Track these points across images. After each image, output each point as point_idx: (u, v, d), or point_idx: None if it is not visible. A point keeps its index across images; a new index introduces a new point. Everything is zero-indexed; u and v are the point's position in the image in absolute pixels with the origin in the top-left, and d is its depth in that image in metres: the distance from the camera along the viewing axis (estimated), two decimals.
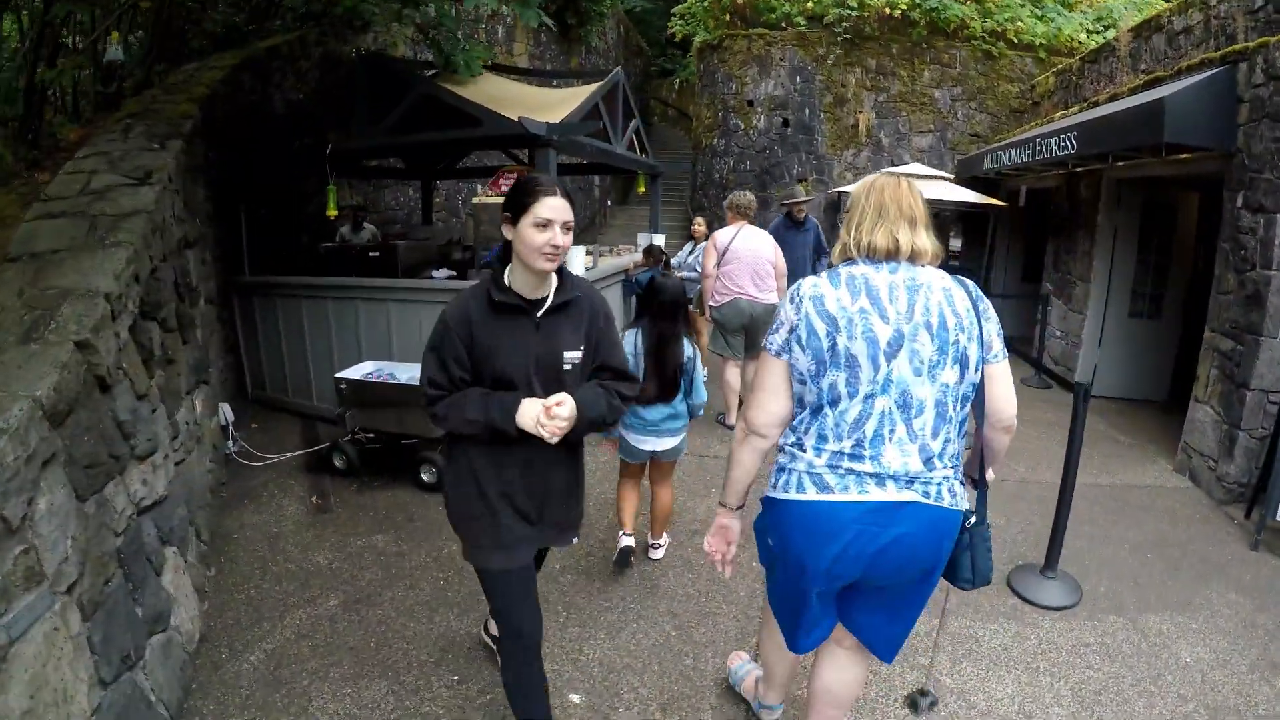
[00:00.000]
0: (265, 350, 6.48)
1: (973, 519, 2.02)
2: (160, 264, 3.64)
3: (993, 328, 1.96)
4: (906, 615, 2.12)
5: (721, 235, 5.80)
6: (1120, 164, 6.74)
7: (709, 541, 2.29)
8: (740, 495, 2.19)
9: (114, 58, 6.18)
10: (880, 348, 1.83)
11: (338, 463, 5.16)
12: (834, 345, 1.85)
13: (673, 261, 7.74)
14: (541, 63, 12.30)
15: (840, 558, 1.90)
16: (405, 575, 3.87)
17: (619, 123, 6.36)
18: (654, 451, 3.73)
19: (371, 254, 5.99)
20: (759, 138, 11.80)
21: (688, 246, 8.21)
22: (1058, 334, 8.28)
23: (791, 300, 1.96)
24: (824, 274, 1.96)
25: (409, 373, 5.10)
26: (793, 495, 1.93)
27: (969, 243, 10.95)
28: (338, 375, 5.12)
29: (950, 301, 1.88)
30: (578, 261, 5.48)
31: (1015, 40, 11.25)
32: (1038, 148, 7.10)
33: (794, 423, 2.00)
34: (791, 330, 1.93)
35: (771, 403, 2.02)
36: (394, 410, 4.94)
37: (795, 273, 6.05)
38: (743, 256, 5.76)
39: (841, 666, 2.31)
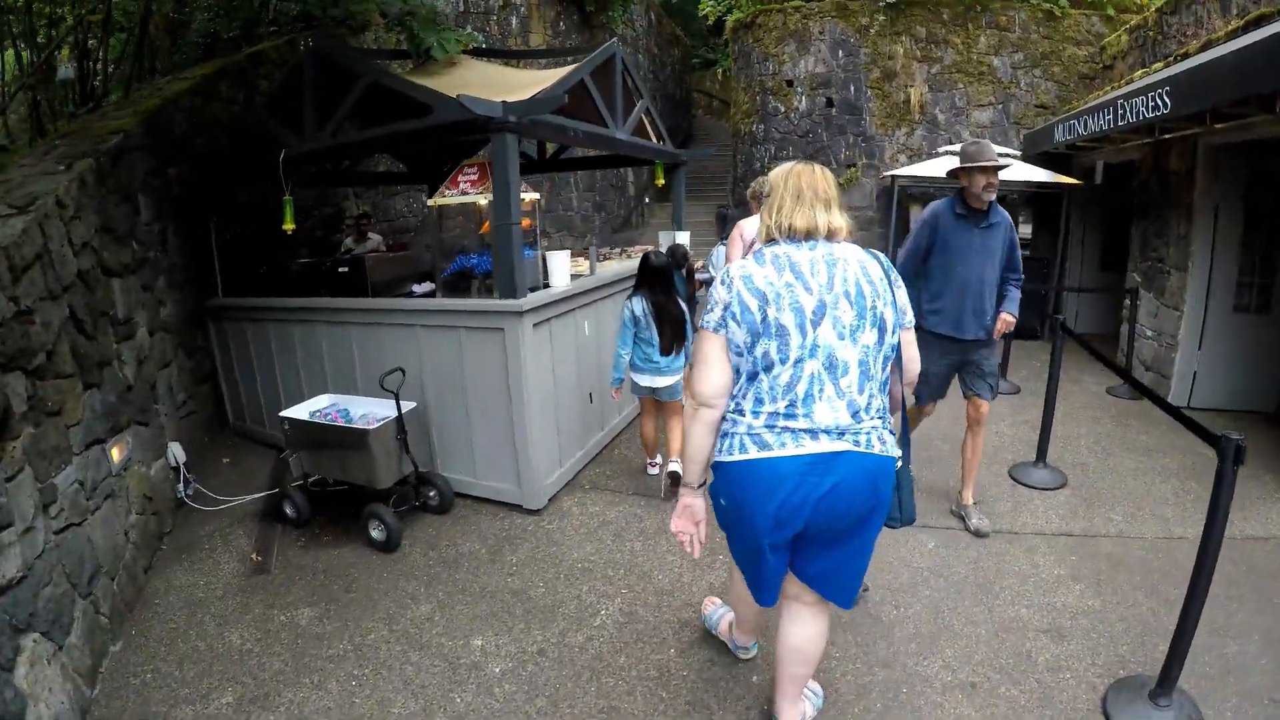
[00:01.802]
0: (241, 378, 5.95)
1: (899, 463, 2.24)
2: (38, 303, 3.15)
3: (903, 295, 2.24)
4: (856, 561, 2.30)
5: (748, 226, 4.89)
6: (1220, 126, 5.48)
7: (675, 522, 2.42)
8: (700, 473, 2.33)
9: (65, 76, 5.80)
10: (806, 316, 2.05)
11: (288, 511, 4.53)
12: (765, 317, 2.06)
13: (710, 263, 6.82)
14: None
15: (784, 507, 2.08)
16: (316, 669, 3.20)
17: (617, 104, 5.48)
18: (653, 388, 4.48)
19: (340, 270, 5.29)
20: (800, 120, 10.72)
21: (720, 247, 7.23)
22: (1149, 333, 6.98)
23: (723, 282, 2.16)
24: (750, 256, 2.18)
25: (365, 409, 4.39)
26: (736, 456, 2.12)
27: (1040, 229, 9.60)
28: (282, 414, 4.45)
29: (865, 273, 2.11)
30: (561, 270, 4.64)
31: None
32: (1120, 111, 5.86)
33: (733, 391, 2.19)
34: (725, 308, 2.13)
35: (714, 374, 2.19)
36: (337, 455, 4.24)
37: (971, 294, 3.95)
38: None
39: (805, 622, 2.44)
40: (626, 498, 4.61)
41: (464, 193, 4.47)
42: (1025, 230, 9.46)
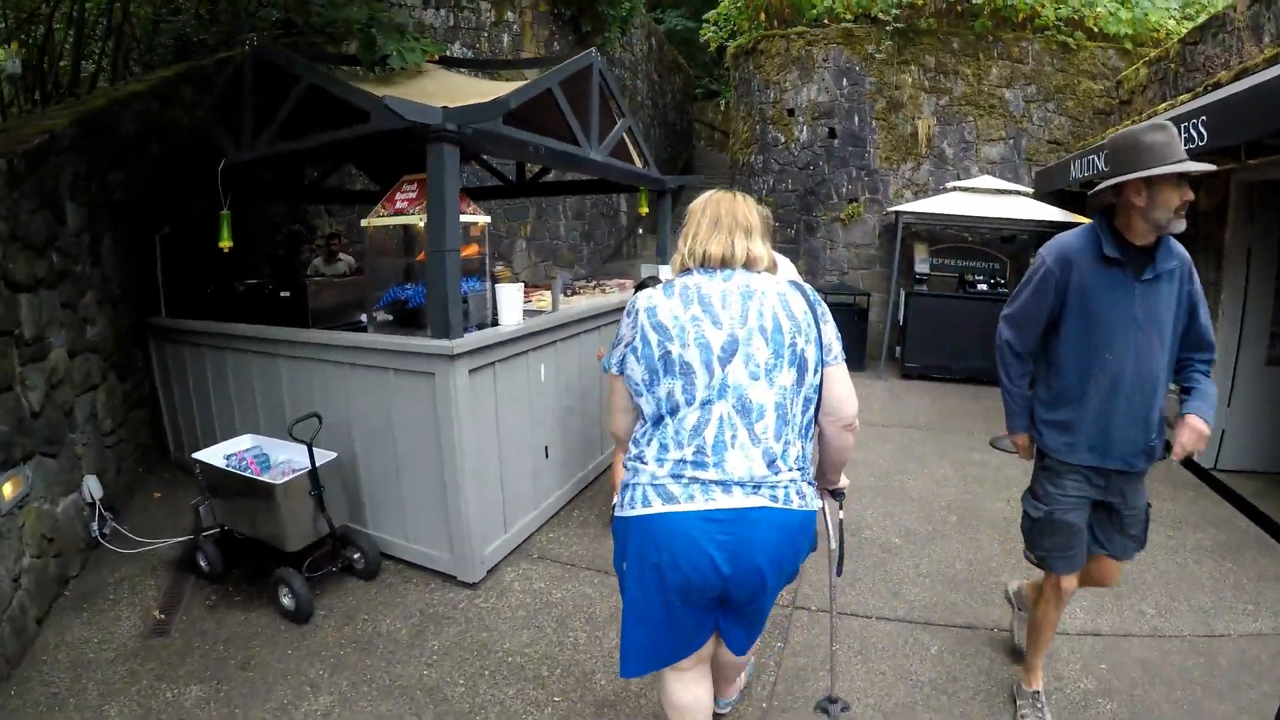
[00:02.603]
0: (180, 405, 5.40)
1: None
2: None
3: (831, 330, 2.02)
4: (760, 619, 2.15)
5: None
6: (1254, 161, 4.94)
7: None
8: None
9: (12, 72, 5.37)
10: (714, 353, 1.87)
11: (201, 563, 3.96)
12: (666, 354, 1.89)
13: None
14: None
15: (695, 567, 1.86)
16: None
17: (592, 120, 4.88)
18: None
19: (282, 294, 4.76)
20: (801, 152, 10.20)
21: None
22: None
23: (628, 314, 2.02)
24: (659, 286, 2.01)
25: (288, 455, 3.85)
26: (639, 510, 1.90)
27: None
28: (195, 455, 3.90)
29: (785, 306, 1.93)
30: (511, 306, 4.10)
31: (1095, 29, 9.35)
32: None
33: (636, 435, 2.01)
34: (628, 345, 1.99)
35: (619, 418, 2.15)
36: (246, 508, 3.69)
37: (1128, 391, 2.53)
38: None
39: (694, 682, 2.23)
40: (579, 572, 3.99)
41: (399, 212, 3.93)
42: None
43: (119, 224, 5.08)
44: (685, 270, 2.03)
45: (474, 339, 3.63)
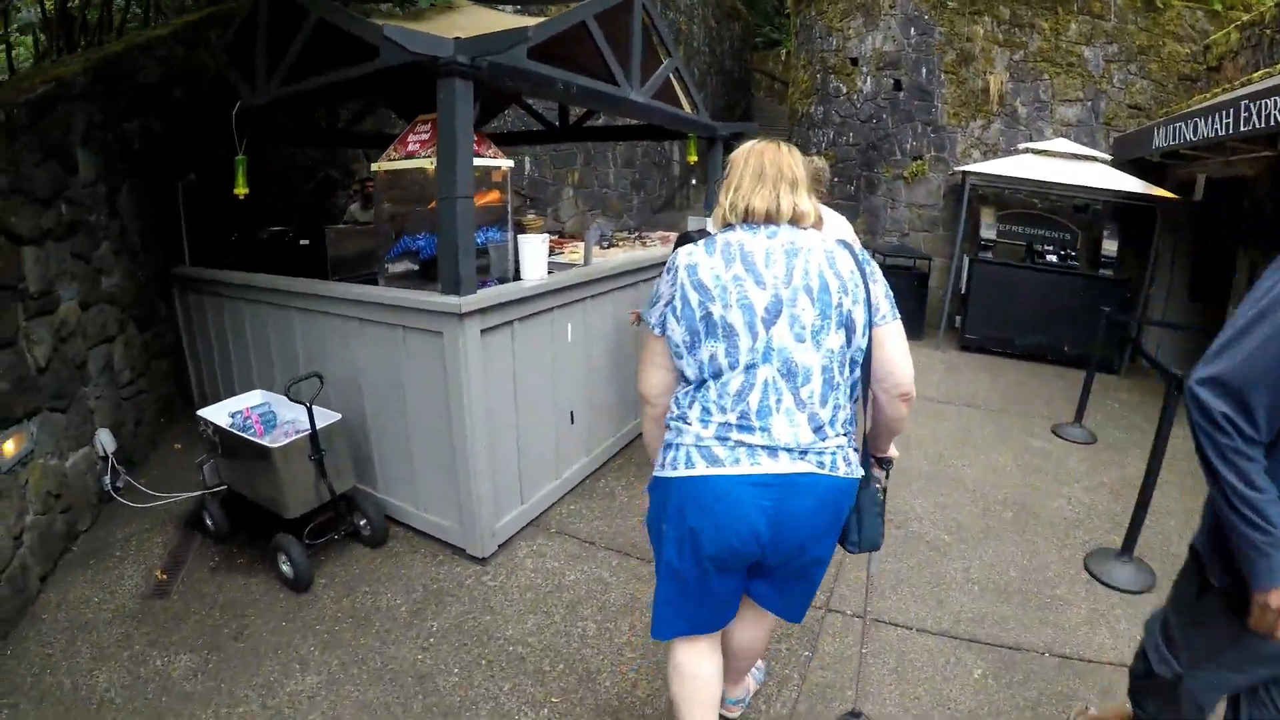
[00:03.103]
0: (204, 356, 5.26)
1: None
2: None
3: (880, 290, 1.91)
4: (808, 584, 2.05)
5: None
6: None
7: None
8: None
9: (26, 20, 5.20)
10: (757, 315, 1.79)
11: (207, 522, 3.82)
12: (708, 314, 1.81)
13: None
14: None
15: (736, 531, 1.81)
16: None
17: (633, 59, 4.40)
18: None
19: (302, 243, 4.55)
20: (864, 104, 9.57)
21: None
22: None
23: (668, 271, 1.92)
24: (700, 241, 1.90)
25: (296, 415, 3.63)
26: (681, 471, 1.84)
27: (1125, 246, 8.27)
28: (200, 411, 3.74)
29: (832, 264, 1.83)
30: (535, 260, 3.80)
31: None
32: (1244, 114, 4.68)
33: (677, 396, 1.94)
34: (668, 303, 1.89)
35: (653, 376, 2.01)
36: (245, 469, 3.52)
37: None
38: None
39: (748, 623, 2.23)
40: (596, 552, 3.70)
41: (410, 154, 3.62)
42: (1110, 247, 8.21)
43: (138, 173, 4.90)
44: (727, 225, 1.93)
45: (488, 295, 3.33)
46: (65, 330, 4.01)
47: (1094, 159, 7.95)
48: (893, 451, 2.23)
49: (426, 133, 3.59)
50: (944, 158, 9.28)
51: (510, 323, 3.55)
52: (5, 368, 3.44)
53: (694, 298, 1.82)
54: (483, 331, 3.31)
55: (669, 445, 1.90)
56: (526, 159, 9.39)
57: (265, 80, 3.98)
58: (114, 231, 4.60)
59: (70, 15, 5.71)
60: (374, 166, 3.77)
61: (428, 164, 3.42)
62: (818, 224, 1.93)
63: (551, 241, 5.37)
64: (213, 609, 3.31)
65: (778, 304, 1.78)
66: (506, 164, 3.85)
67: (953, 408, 6.15)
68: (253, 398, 3.98)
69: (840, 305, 1.79)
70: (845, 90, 9.70)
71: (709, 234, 4.40)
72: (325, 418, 3.52)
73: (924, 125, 9.30)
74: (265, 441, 3.35)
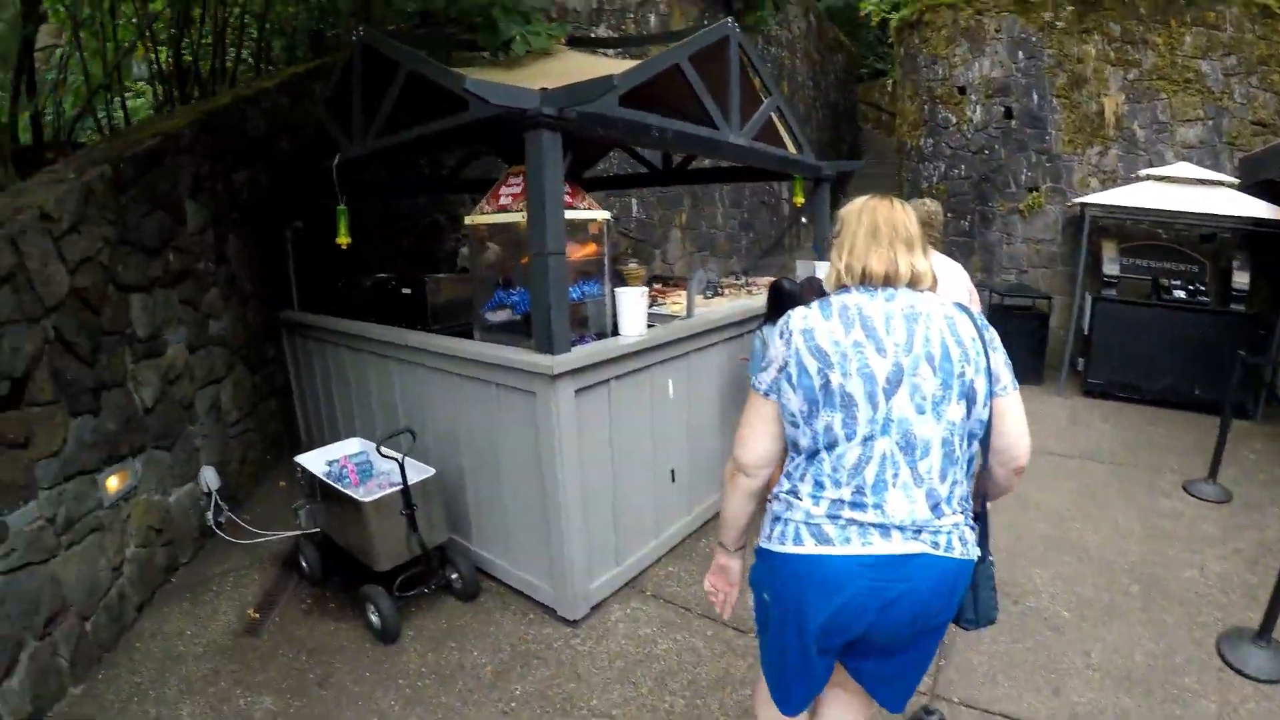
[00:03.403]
0: (309, 398, 5.42)
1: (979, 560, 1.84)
2: (7, 326, 2.92)
3: (1000, 358, 1.81)
4: (916, 668, 1.92)
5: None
6: None
7: (709, 580, 2.14)
8: (736, 538, 2.04)
9: (139, 76, 5.53)
10: (878, 384, 1.70)
11: (303, 564, 3.89)
12: (827, 383, 1.72)
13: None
14: None
15: (841, 612, 1.73)
16: None
17: (732, 100, 4.24)
18: None
19: (404, 291, 4.63)
20: (975, 134, 9.13)
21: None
22: None
23: (781, 335, 1.83)
24: (815, 304, 1.81)
25: (391, 465, 3.61)
26: (789, 548, 1.76)
27: (1258, 277, 7.50)
28: (297, 458, 3.81)
29: (954, 330, 1.74)
30: (633, 314, 3.66)
31: None
32: None
33: (789, 468, 1.86)
34: (781, 369, 1.80)
35: (758, 443, 1.87)
36: (339, 518, 3.55)
37: None
38: None
39: (845, 706, 2.08)
40: (691, 620, 3.52)
41: (502, 208, 3.59)
42: (1241, 280, 7.49)
43: (247, 221, 5.13)
44: (842, 287, 1.84)
45: (583, 354, 3.23)
46: (173, 373, 4.21)
47: (1220, 183, 7.31)
48: (989, 505, 2.09)
49: (519, 185, 3.57)
50: (1060, 188, 8.73)
51: (606, 381, 3.44)
52: (113, 408, 3.64)
53: (812, 365, 1.73)
54: (577, 392, 3.22)
55: (777, 519, 1.82)
56: (633, 201, 9.36)
57: (362, 132, 4.08)
58: (222, 278, 4.80)
59: (184, 68, 6.03)
60: (467, 220, 3.78)
61: (519, 218, 3.39)
62: (934, 284, 1.84)
63: (654, 290, 5.24)
64: (300, 652, 3.35)
65: (899, 373, 1.69)
66: (602, 215, 3.79)
67: (1075, 462, 5.68)
68: (351, 446, 4.03)
69: (963, 375, 1.71)
70: (954, 120, 9.30)
71: (810, 282, 4.26)
72: (419, 472, 3.50)
73: (1038, 154, 8.80)
74: (358, 494, 3.36)
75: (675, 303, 4.73)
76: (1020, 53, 8.71)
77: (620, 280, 4.87)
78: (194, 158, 4.49)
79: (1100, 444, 6.11)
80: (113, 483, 3.58)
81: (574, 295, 3.79)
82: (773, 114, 4.90)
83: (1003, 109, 8.91)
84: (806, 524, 1.75)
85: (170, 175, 4.25)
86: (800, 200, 5.71)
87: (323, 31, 6.70)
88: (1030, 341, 7.87)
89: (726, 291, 5.42)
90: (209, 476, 4.43)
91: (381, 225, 6.33)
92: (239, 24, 6.28)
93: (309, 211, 5.17)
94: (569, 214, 3.55)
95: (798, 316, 1.80)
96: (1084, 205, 7.69)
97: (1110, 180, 8.43)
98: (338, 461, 3.83)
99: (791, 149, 5.23)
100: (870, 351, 1.70)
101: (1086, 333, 7.87)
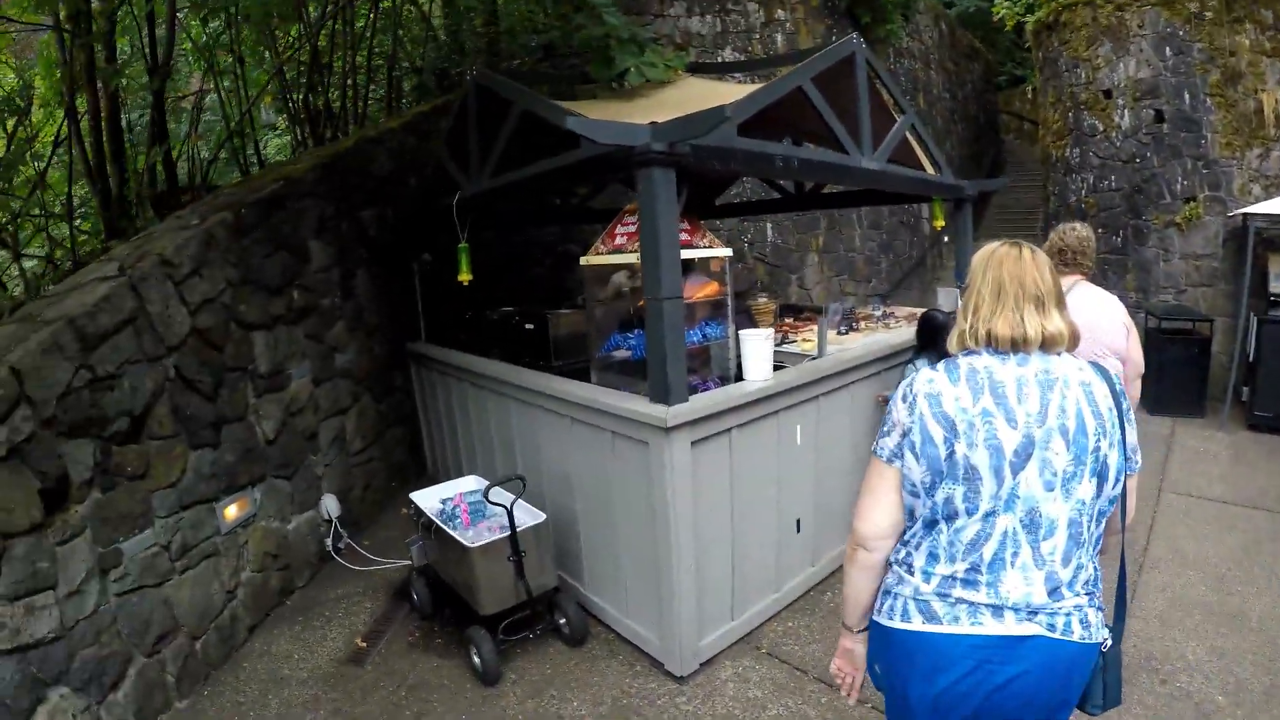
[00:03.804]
0: (435, 428, 5.48)
1: (1108, 642, 1.68)
2: (126, 367, 3.10)
3: (1134, 430, 1.67)
4: None
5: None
6: None
7: (835, 663, 1.97)
8: (859, 617, 1.84)
9: (267, 122, 5.76)
10: (1005, 457, 1.55)
11: (414, 596, 3.90)
12: (952, 454, 1.57)
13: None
14: None
15: (947, 696, 1.61)
16: None
17: (861, 122, 3.90)
18: None
19: (527, 326, 4.56)
20: (1124, 142, 8.30)
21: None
22: None
23: (904, 399, 1.68)
24: (941, 366, 1.68)
25: (507, 501, 3.47)
26: (897, 623, 1.67)
27: None
28: (411, 495, 3.77)
29: (1091, 399, 1.58)
30: (758, 359, 3.36)
31: None
32: None
33: (905, 535, 1.72)
34: (904, 434, 1.65)
35: (879, 514, 1.73)
36: (447, 558, 3.48)
37: None
38: None
39: None
40: (806, 684, 3.20)
41: (618, 248, 3.42)
42: None
43: (375, 257, 5.22)
44: (967, 350, 1.68)
45: (701, 404, 2.99)
46: (295, 405, 4.31)
47: None
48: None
49: (634, 224, 3.40)
50: (1220, 197, 7.78)
51: (728, 430, 3.17)
52: (233, 441, 3.79)
53: (937, 433, 1.59)
54: (693, 443, 2.98)
55: (888, 591, 1.73)
56: (768, 225, 9.07)
57: (478, 170, 4.02)
58: (349, 312, 4.88)
59: (314, 111, 6.23)
60: (582, 261, 3.63)
61: (635, 259, 3.20)
62: (1073, 342, 1.66)
63: (784, 325, 4.92)
64: (400, 687, 3.32)
65: (1029, 445, 1.55)
66: (724, 253, 3.54)
67: (1238, 510, 4.91)
68: (467, 483, 3.95)
69: (1098, 450, 1.57)
70: (1101, 127, 8.49)
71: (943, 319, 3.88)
72: (531, 516, 3.38)
73: (1194, 160, 7.88)
74: (466, 539, 3.26)
75: (807, 339, 4.39)
76: (1167, 49, 7.86)
77: (748, 319, 4.59)
78: (317, 200, 4.60)
79: (1268, 489, 5.29)
80: (231, 511, 3.72)
81: (694, 338, 3.57)
82: (906, 133, 4.51)
83: (1152, 112, 8.07)
84: (915, 599, 1.65)
85: (293, 218, 4.36)
86: (940, 224, 5.23)
87: (448, 70, 6.81)
88: (1189, 369, 7.02)
89: (862, 325, 4.98)
90: (329, 504, 4.50)
91: (513, 256, 6.32)
92: (367, 66, 6.46)
93: (437, 245, 5.19)
94: (687, 253, 3.34)
95: (922, 380, 1.66)
96: (1246, 215, 6.81)
97: (1274, 186, 7.44)
98: (451, 500, 3.76)
99: (929, 169, 4.80)
100: (1000, 421, 1.56)
101: (1251, 359, 6.94)
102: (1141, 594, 3.75)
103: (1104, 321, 3.22)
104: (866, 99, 3.96)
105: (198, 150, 5.65)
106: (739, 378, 3.44)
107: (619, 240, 3.44)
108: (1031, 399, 1.57)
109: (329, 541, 4.49)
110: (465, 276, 4.32)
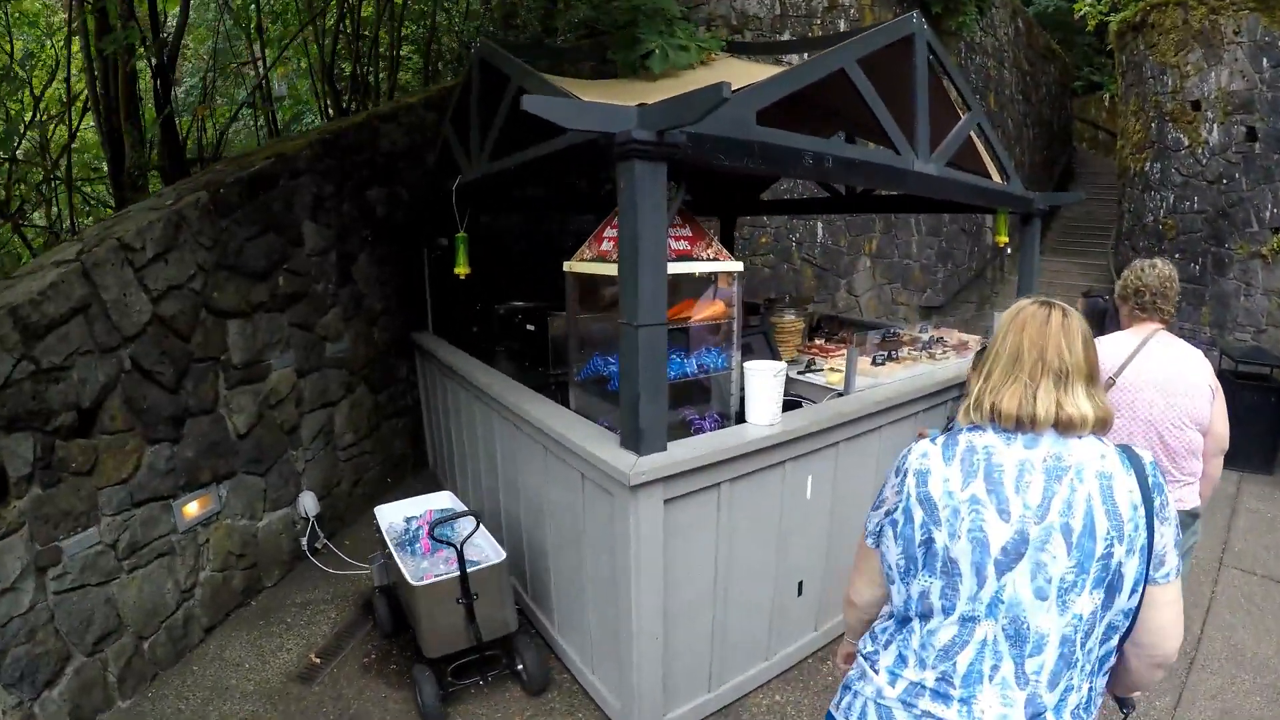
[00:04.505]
0: (435, 423, 5.07)
1: None
2: (75, 358, 2.85)
3: (1169, 535, 1.33)
4: None
5: (1106, 348, 2.67)
6: None
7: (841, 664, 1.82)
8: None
9: (279, 94, 5.38)
10: (990, 554, 1.31)
11: (377, 614, 3.54)
12: (930, 541, 1.37)
13: None
14: None
15: None
16: None
17: (917, 114, 3.23)
18: None
19: (529, 327, 4.14)
20: (1211, 160, 7.43)
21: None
22: None
23: (896, 472, 1.47)
24: (940, 440, 1.44)
25: (467, 532, 3.03)
26: None
27: None
28: (377, 509, 3.40)
29: (1108, 494, 1.30)
30: (763, 399, 2.76)
31: None
32: None
33: (875, 627, 1.54)
34: (889, 513, 1.45)
35: (866, 590, 1.60)
36: (399, 587, 3.08)
37: None
38: (1141, 398, 2.58)
39: None
40: None
41: (602, 254, 2.91)
42: None
43: (381, 239, 4.82)
44: (973, 424, 1.43)
45: (682, 456, 2.45)
46: (275, 398, 3.96)
47: None
48: (1136, 694, 1.56)
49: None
50: None
51: (717, 486, 2.62)
52: (197, 435, 3.49)
53: (917, 515, 1.39)
54: (668, 501, 2.45)
55: (847, 686, 1.53)
56: (818, 224, 8.47)
57: (479, 153, 3.57)
58: (345, 298, 4.49)
59: (339, 87, 5.84)
60: (566, 266, 3.12)
61: (615, 269, 2.71)
62: (1101, 427, 1.37)
63: (813, 348, 4.29)
64: (342, 716, 3.01)
65: (1021, 544, 1.31)
66: (732, 267, 2.97)
67: None
68: (438, 501, 3.54)
69: (1108, 556, 1.30)
70: (1186, 142, 7.61)
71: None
72: (490, 554, 2.96)
73: None
74: (419, 569, 2.86)
75: (835, 369, 3.79)
76: (1265, 60, 6.95)
77: (765, 343, 3.91)
78: (314, 178, 4.20)
79: None
80: (191, 508, 3.46)
81: (689, 368, 3.05)
82: (972, 133, 3.84)
83: (1244, 129, 7.18)
84: (877, 702, 1.43)
85: (284, 197, 3.97)
86: (1003, 239, 4.54)
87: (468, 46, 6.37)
88: (1263, 419, 6.20)
89: (905, 354, 4.17)
90: (307, 502, 4.17)
91: (539, 245, 5.85)
92: (394, 39, 6.05)
93: (453, 229, 4.84)
94: (685, 266, 2.83)
95: (916, 453, 1.44)
96: None
97: None
98: (418, 519, 3.36)
99: (996, 176, 4.11)
100: (990, 512, 1.33)
101: None
102: (1188, 700, 3.13)
103: (1185, 383, 2.60)
104: (925, 90, 3.29)
105: (212, 121, 5.33)
106: (743, 418, 2.89)
107: (604, 245, 2.92)
108: (1033, 489, 1.32)
109: (304, 541, 4.15)
110: (462, 269, 3.91)
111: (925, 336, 4.66)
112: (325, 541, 4.23)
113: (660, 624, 2.57)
